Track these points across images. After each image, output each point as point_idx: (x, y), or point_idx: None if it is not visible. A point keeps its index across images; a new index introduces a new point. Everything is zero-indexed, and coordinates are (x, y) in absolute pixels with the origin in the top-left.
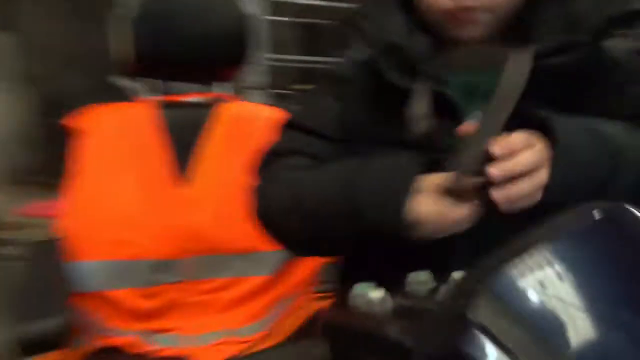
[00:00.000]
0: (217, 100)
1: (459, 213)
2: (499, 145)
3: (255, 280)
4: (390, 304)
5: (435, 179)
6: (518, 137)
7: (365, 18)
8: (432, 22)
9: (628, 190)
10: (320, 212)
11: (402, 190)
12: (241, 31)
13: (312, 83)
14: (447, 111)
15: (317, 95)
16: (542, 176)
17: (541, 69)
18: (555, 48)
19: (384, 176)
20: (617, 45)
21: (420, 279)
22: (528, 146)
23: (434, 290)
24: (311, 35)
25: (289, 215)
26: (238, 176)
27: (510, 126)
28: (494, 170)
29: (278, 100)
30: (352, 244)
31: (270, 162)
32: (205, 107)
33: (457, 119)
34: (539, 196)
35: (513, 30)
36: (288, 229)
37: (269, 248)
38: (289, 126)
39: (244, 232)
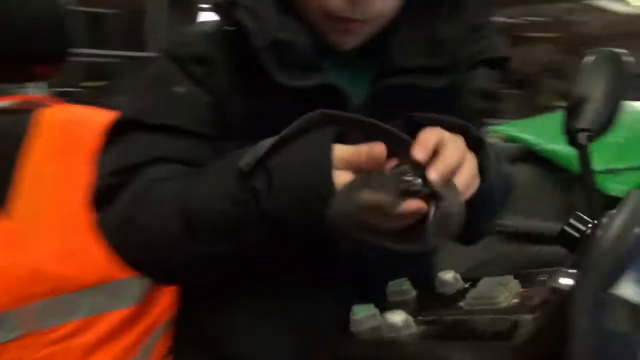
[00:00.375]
0: (35, 105)
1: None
2: (421, 152)
3: (116, 315)
4: (414, 325)
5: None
6: (430, 135)
7: (242, 9)
8: (311, 23)
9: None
10: (222, 222)
11: (325, 161)
12: (59, 20)
13: (103, 79)
14: (336, 103)
15: (163, 82)
16: (472, 161)
17: (400, 86)
18: (416, 69)
19: (299, 152)
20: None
21: (402, 288)
22: (444, 139)
23: (424, 300)
24: (94, 26)
25: (180, 244)
26: (76, 196)
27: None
28: (435, 176)
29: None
30: (266, 250)
31: (123, 183)
32: (20, 113)
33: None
34: (477, 183)
35: (372, 42)
36: (181, 261)
37: (130, 274)
38: (132, 129)
39: (95, 260)
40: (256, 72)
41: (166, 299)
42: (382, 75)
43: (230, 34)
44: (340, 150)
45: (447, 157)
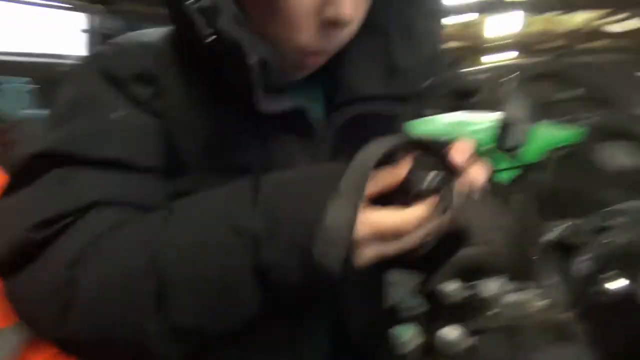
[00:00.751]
0: None
1: (419, 211)
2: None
3: None
4: (467, 339)
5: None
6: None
7: (228, 18)
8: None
9: None
10: (209, 280)
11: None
12: None
13: None
14: (303, 128)
15: (94, 105)
16: None
17: (359, 115)
18: (379, 97)
19: (301, 189)
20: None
21: (413, 304)
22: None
23: (442, 312)
24: None
25: (148, 313)
26: None
27: None
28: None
29: None
30: (255, 314)
31: (50, 237)
32: None
33: (313, 138)
34: None
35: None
36: (145, 336)
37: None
38: (56, 165)
39: None
40: (218, 92)
41: (51, 347)
42: (338, 101)
43: (200, 46)
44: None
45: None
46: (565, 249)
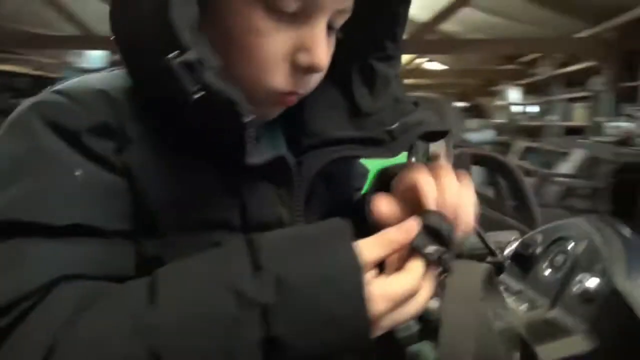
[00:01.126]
0: None
1: (419, 270)
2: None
3: None
4: None
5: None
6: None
7: (212, 72)
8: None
9: None
10: (211, 357)
11: (355, 267)
12: None
13: None
14: (281, 176)
15: (44, 164)
16: None
17: (332, 160)
18: (347, 139)
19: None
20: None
21: (408, 324)
22: None
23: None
24: None
25: None
26: None
27: None
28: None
29: None
30: None
31: (7, 325)
32: None
33: (289, 185)
34: None
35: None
36: None
37: None
38: (4, 238)
39: None
40: (188, 146)
41: None
42: (305, 144)
43: (178, 102)
44: (368, 251)
45: None
46: (525, 260)
